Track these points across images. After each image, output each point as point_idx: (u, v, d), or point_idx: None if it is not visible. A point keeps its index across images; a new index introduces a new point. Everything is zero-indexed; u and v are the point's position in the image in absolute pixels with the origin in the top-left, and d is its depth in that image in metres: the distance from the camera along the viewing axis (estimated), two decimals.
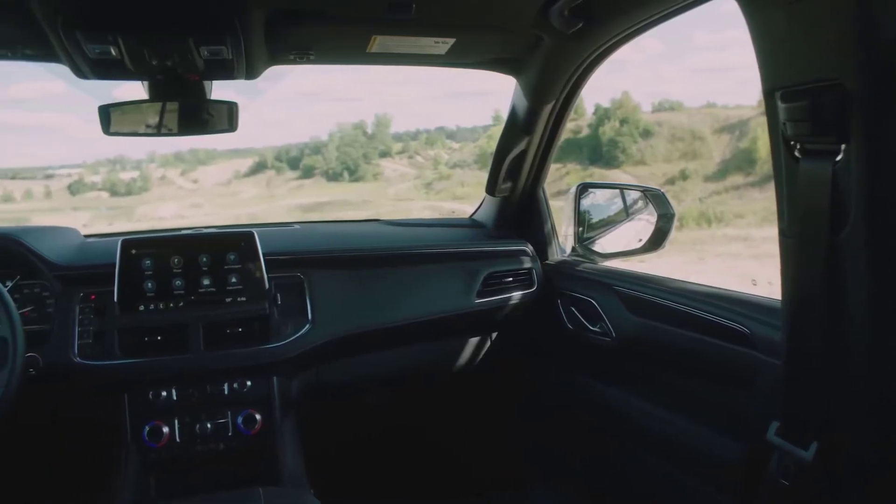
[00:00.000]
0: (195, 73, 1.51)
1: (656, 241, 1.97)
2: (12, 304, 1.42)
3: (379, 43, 1.54)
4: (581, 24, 1.43)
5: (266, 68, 1.60)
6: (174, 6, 1.28)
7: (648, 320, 1.63)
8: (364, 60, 1.71)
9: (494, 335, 2.15)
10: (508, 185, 2.06)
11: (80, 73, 1.46)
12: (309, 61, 1.60)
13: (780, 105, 0.97)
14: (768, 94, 0.99)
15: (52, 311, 1.73)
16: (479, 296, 1.99)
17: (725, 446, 1.39)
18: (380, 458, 2.30)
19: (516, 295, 2.04)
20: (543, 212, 2.13)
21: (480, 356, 2.14)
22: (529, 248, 2.08)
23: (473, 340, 2.12)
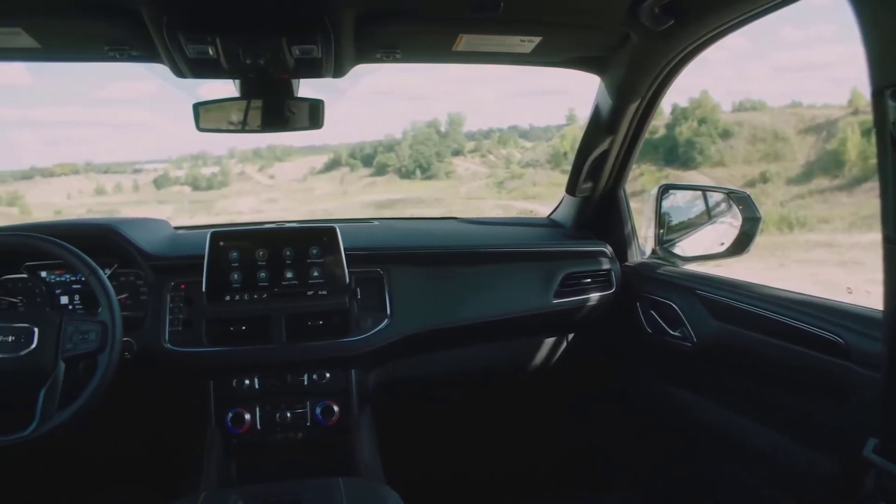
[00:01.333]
0: (285, 71, 1.55)
1: (740, 245, 1.91)
2: (113, 292, 1.49)
3: (465, 41, 1.54)
4: (671, 22, 1.40)
5: (352, 67, 1.62)
6: (270, 7, 1.32)
7: (733, 326, 1.58)
8: (449, 59, 1.72)
9: (571, 336, 2.12)
10: (589, 184, 2.03)
11: (179, 72, 1.52)
12: (395, 60, 1.62)
13: (891, 104, 0.92)
14: (877, 93, 0.94)
15: (145, 298, 1.82)
16: (557, 296, 1.98)
17: (817, 462, 1.34)
18: (453, 455, 2.31)
19: (594, 296, 2.01)
20: (624, 213, 2.09)
21: (556, 357, 2.12)
22: (609, 250, 2.05)
23: (549, 341, 2.10)
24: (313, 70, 1.55)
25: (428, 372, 2.04)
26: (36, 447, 1.47)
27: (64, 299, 1.85)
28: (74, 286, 1.84)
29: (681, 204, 2.10)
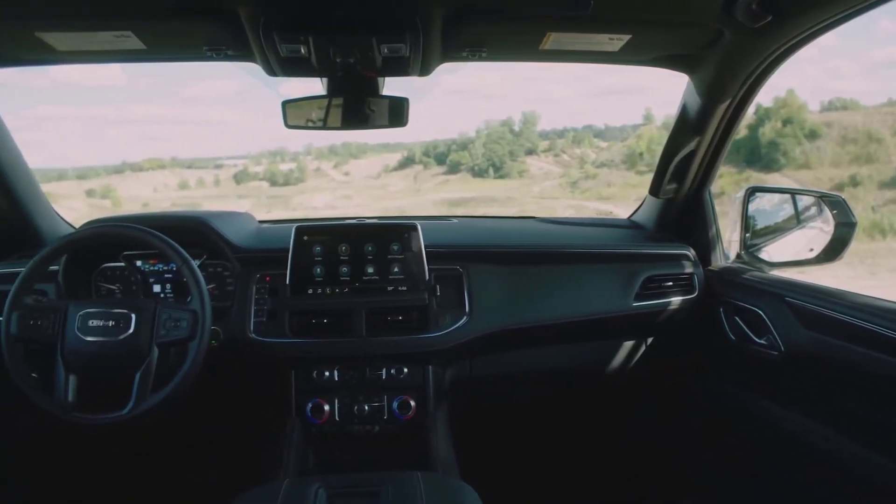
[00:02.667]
0: (373, 70, 1.58)
1: (833, 251, 1.83)
2: (203, 282, 1.56)
3: (553, 40, 1.53)
4: (769, 19, 1.35)
5: (438, 65, 1.64)
6: (362, 7, 1.34)
7: (826, 336, 1.51)
8: (535, 58, 1.71)
9: (650, 340, 2.08)
10: (673, 186, 1.99)
11: (270, 71, 1.57)
12: (480, 58, 1.63)
13: None
14: None
15: (231, 289, 1.88)
16: (638, 298, 1.95)
17: None
18: (527, 453, 2.31)
19: (676, 300, 1.97)
20: (709, 215, 2.03)
21: (634, 360, 2.08)
22: (692, 253, 2.00)
23: (628, 344, 2.07)
24: (400, 68, 1.57)
25: (504, 370, 2.04)
26: (129, 427, 1.55)
27: (157, 287, 1.94)
28: (167, 275, 1.93)
29: (767, 207, 2.04)
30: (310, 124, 1.72)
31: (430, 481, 1.36)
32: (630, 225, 2.26)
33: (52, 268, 1.72)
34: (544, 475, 2.27)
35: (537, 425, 2.34)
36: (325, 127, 1.73)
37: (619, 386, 2.21)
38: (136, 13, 1.36)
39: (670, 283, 1.98)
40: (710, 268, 2.01)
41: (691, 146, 1.86)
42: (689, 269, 1.99)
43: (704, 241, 2.03)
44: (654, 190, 2.03)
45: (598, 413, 2.34)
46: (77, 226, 2.10)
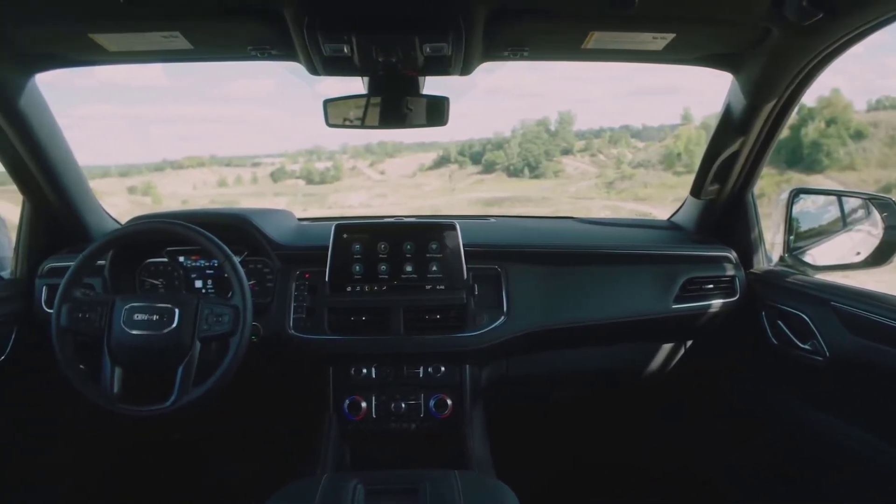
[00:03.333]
0: (414, 69, 1.59)
1: (881, 255, 1.78)
2: (245, 278, 1.58)
3: (596, 39, 1.52)
4: (819, 16, 1.31)
5: (479, 64, 1.64)
6: (406, 7, 1.35)
7: (875, 343, 1.47)
8: (577, 57, 1.70)
9: (689, 343, 2.06)
10: (716, 187, 1.95)
11: (313, 70, 1.59)
12: (522, 58, 1.62)
13: None
14: None
15: (271, 286, 1.91)
16: (677, 301, 1.92)
17: None
18: (563, 454, 2.30)
19: (716, 303, 1.94)
20: (751, 217, 2.00)
21: (673, 363, 2.06)
22: (733, 255, 1.97)
23: (667, 346, 2.04)
24: (441, 68, 1.58)
25: (540, 371, 2.03)
26: (171, 419, 1.58)
27: (198, 283, 1.98)
28: (208, 271, 1.97)
29: (812, 209, 2.00)
30: (350, 123, 1.74)
31: (467, 480, 1.36)
32: (670, 226, 2.23)
33: (99, 262, 1.76)
34: (579, 476, 2.25)
35: (573, 426, 2.32)
36: (365, 126, 1.75)
37: (657, 388, 2.19)
38: (184, 14, 1.39)
39: (711, 286, 1.95)
40: (751, 270, 1.97)
41: (735, 147, 1.83)
42: (730, 272, 1.96)
43: (746, 244, 2.00)
44: (696, 191, 2.01)
45: (634, 415, 2.32)
46: (122, 222, 2.16)
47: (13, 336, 1.81)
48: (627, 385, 2.23)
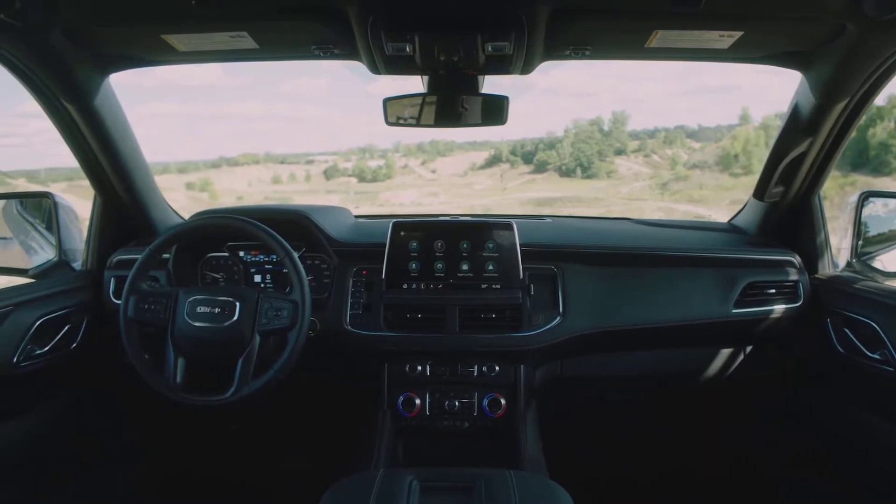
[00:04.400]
0: (475, 68, 1.59)
1: None
2: (304, 274, 1.61)
3: (660, 37, 1.50)
4: None
5: (540, 63, 1.63)
6: (470, 6, 1.35)
7: None
8: (640, 56, 1.68)
9: (749, 349, 2.01)
10: (780, 189, 1.90)
11: (374, 69, 1.61)
12: (583, 57, 1.61)
13: None
14: None
15: (328, 281, 1.94)
16: (737, 305, 1.88)
17: None
18: (615, 456, 2.27)
19: (778, 308, 1.89)
20: (817, 221, 1.94)
21: (732, 369, 2.01)
22: (797, 259, 1.91)
23: (725, 352, 2.00)
24: (502, 66, 1.58)
25: (595, 372, 2.01)
26: (229, 410, 1.62)
27: (257, 278, 2.02)
28: (267, 266, 2.01)
29: (882, 213, 1.93)
30: (406, 122, 1.75)
31: (522, 480, 1.36)
32: (730, 229, 2.18)
33: (164, 256, 1.82)
34: (633, 479, 2.23)
35: (627, 428, 2.30)
36: (420, 124, 1.76)
37: (714, 393, 2.14)
38: (251, 15, 1.43)
39: (773, 291, 1.91)
40: (816, 276, 1.92)
41: (802, 148, 1.78)
42: (793, 277, 1.90)
43: (811, 248, 1.94)
44: (759, 193, 1.96)
45: (689, 420, 2.27)
46: (184, 217, 2.22)
47: (84, 325, 1.88)
48: (684, 389, 2.19)
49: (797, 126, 1.76)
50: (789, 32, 1.51)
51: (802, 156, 1.80)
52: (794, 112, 1.75)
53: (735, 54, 1.63)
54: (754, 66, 1.73)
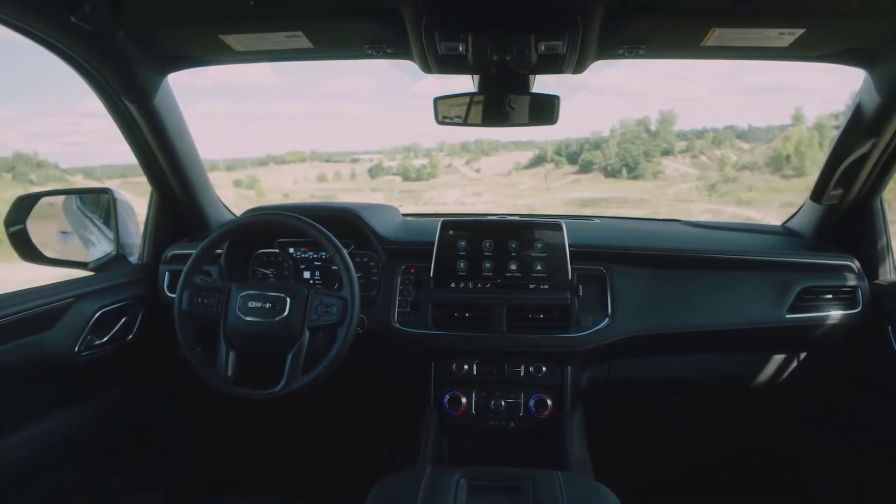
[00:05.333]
0: (527, 68, 1.59)
1: None
2: (354, 271, 1.63)
3: (717, 36, 1.47)
4: None
5: (593, 62, 1.62)
6: (523, 5, 1.35)
7: None
8: (695, 55, 1.65)
9: (803, 356, 1.96)
10: (839, 191, 1.85)
11: (426, 68, 1.62)
12: (637, 56, 1.59)
13: None
14: None
15: (376, 279, 1.96)
16: (792, 310, 1.84)
17: None
18: (663, 460, 2.24)
19: (835, 314, 1.84)
20: (879, 224, 1.88)
21: (785, 375, 1.97)
22: (856, 264, 1.86)
23: (778, 358, 1.96)
24: (555, 66, 1.57)
25: (643, 375, 1.99)
26: (277, 404, 1.64)
27: (306, 274, 2.05)
28: (316, 263, 2.03)
29: None
30: (458, 121, 1.76)
31: (570, 481, 1.35)
32: (784, 232, 2.13)
33: (217, 251, 1.86)
34: (679, 483, 2.19)
35: (674, 432, 2.26)
36: (472, 123, 1.77)
37: (765, 400, 2.10)
38: (307, 15, 1.45)
39: (830, 296, 1.86)
40: (877, 282, 1.86)
41: (864, 149, 1.72)
42: (852, 282, 1.85)
43: (871, 253, 1.89)
44: (817, 195, 1.91)
45: (739, 425, 2.23)
46: (236, 214, 2.27)
47: (139, 317, 1.94)
48: (735, 395, 2.15)
49: (859, 126, 1.70)
50: (854, 29, 1.46)
51: (864, 157, 1.75)
52: (857, 112, 1.70)
53: (795, 52, 1.59)
54: (809, 64, 1.69)
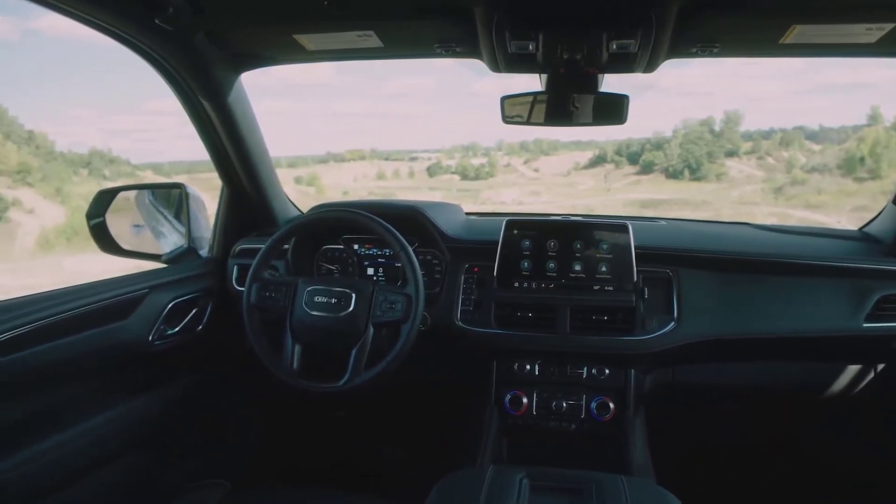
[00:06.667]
0: (596, 67, 1.57)
1: None
2: (419, 269, 1.64)
3: (797, 33, 1.42)
4: None
5: (664, 61, 1.59)
6: (597, 3, 1.34)
7: None
8: (773, 53, 1.60)
9: (881, 367, 1.88)
10: None
11: (495, 67, 1.62)
12: (711, 54, 1.55)
13: None
14: None
15: (438, 277, 1.96)
16: (869, 319, 1.77)
17: None
18: (727, 467, 2.19)
19: None
20: None
21: (860, 387, 1.89)
22: None
23: (853, 368, 1.88)
24: (625, 65, 1.55)
25: (708, 380, 1.95)
26: (341, 397, 1.67)
27: (370, 270, 2.07)
28: (380, 259, 2.06)
29: None
30: (523, 120, 1.75)
31: (634, 486, 1.34)
32: (861, 237, 2.05)
33: (284, 246, 1.91)
34: (743, 492, 2.14)
35: (740, 440, 2.21)
36: (536, 122, 1.75)
37: (837, 411, 2.03)
38: (380, 14, 1.47)
39: None
40: None
41: None
42: None
43: None
44: None
45: (807, 435, 2.16)
46: (302, 210, 2.31)
47: (208, 309, 2.00)
48: (804, 405, 2.09)
49: None
50: None
51: None
52: None
53: (883, 49, 1.51)
54: (888, 60, 1.61)
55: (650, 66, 1.59)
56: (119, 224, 2.06)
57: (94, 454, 1.69)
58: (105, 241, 2.01)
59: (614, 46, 1.42)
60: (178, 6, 1.44)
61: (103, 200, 2.02)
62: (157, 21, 1.46)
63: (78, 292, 1.64)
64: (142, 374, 1.88)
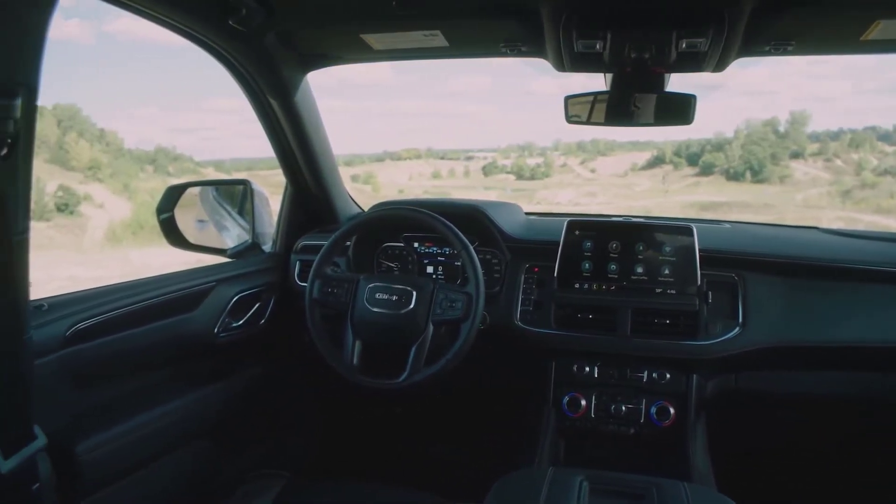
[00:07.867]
0: (663, 66, 1.55)
1: None
2: (480, 268, 1.65)
3: (881, 28, 1.36)
4: None
5: (734, 60, 1.55)
6: (668, 1, 1.31)
7: None
8: (852, 50, 1.53)
9: None
10: None
11: (560, 66, 1.61)
12: (784, 53, 1.51)
13: None
14: None
15: (497, 276, 1.97)
16: None
17: None
18: (790, 478, 2.13)
19: None
20: None
21: None
22: None
23: None
24: (694, 64, 1.52)
25: (772, 388, 1.89)
26: (397, 394, 1.69)
27: (429, 269, 2.09)
28: (439, 258, 2.07)
29: None
30: (583, 119, 1.73)
31: (696, 493, 1.31)
32: None
33: (346, 243, 1.94)
34: (804, 500, 2.07)
35: (803, 450, 2.14)
36: (597, 122, 1.73)
37: None
38: (447, 14, 1.49)
39: None
40: None
41: None
42: None
43: None
44: None
45: (879, 452, 2.08)
46: (364, 208, 2.35)
47: (271, 303, 2.05)
48: (868, 414, 2.01)
49: None
50: None
51: None
52: None
53: None
54: None
55: (720, 66, 1.55)
56: (186, 219, 2.13)
57: (163, 441, 1.75)
58: (173, 235, 2.08)
59: (684, 45, 1.40)
60: (251, 7, 1.48)
61: (172, 196, 2.09)
62: (230, 22, 1.52)
63: (149, 284, 1.70)
64: (207, 365, 1.94)
